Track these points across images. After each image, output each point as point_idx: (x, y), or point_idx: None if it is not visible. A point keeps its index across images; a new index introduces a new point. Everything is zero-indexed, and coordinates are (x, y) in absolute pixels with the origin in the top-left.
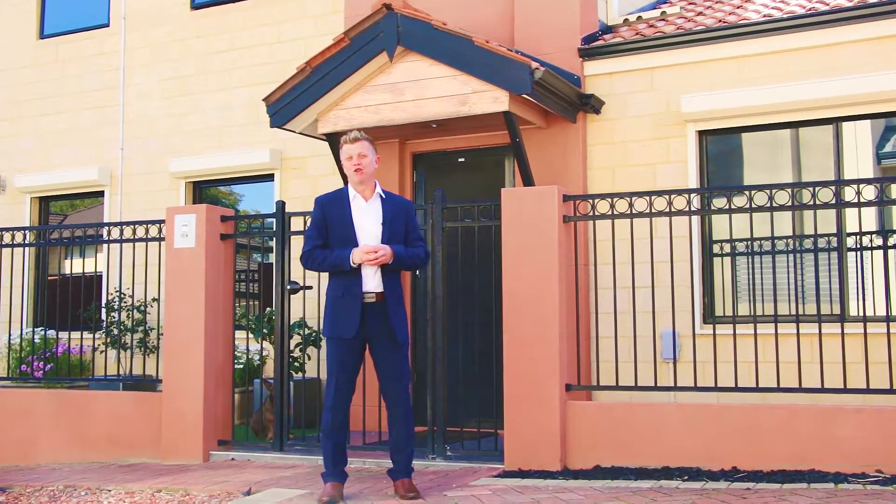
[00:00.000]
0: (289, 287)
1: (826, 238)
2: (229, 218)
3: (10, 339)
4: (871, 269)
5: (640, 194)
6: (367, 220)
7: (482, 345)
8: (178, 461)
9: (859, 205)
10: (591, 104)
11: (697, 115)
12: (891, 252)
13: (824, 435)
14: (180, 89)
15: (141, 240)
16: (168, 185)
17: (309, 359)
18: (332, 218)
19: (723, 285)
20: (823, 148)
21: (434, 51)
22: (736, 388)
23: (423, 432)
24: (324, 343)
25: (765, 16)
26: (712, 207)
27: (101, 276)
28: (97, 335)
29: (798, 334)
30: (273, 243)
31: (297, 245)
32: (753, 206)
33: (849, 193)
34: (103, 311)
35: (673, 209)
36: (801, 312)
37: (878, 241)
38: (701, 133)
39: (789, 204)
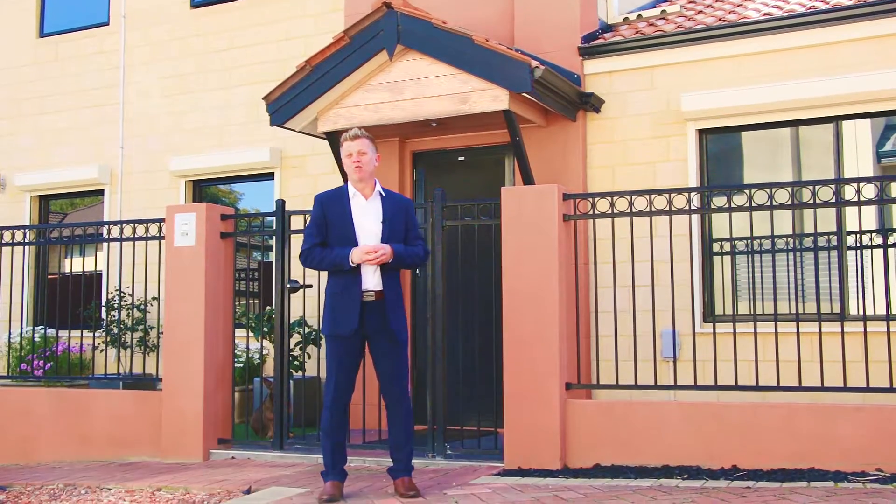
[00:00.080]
0: (289, 285)
1: (826, 237)
2: (229, 216)
3: (10, 337)
4: (871, 268)
5: (639, 193)
6: (367, 218)
7: (482, 343)
8: (178, 460)
9: (859, 203)
10: (591, 103)
11: (697, 114)
12: (891, 251)
13: (824, 434)
14: (180, 88)
15: (141, 238)
16: (168, 184)
17: (309, 357)
18: (331, 216)
19: (723, 284)
20: (823, 146)
21: (434, 49)
22: (736, 387)
23: (423, 431)
24: (324, 342)
25: (765, 14)
26: (712, 206)
27: (101, 274)
28: (97, 334)
29: (798, 333)
30: (273, 242)
31: (297, 243)
32: (753, 204)
33: (849, 192)
34: (103, 309)
35: (673, 208)
36: (800, 311)
37: (878, 240)
38: (701, 132)
39: (789, 203)
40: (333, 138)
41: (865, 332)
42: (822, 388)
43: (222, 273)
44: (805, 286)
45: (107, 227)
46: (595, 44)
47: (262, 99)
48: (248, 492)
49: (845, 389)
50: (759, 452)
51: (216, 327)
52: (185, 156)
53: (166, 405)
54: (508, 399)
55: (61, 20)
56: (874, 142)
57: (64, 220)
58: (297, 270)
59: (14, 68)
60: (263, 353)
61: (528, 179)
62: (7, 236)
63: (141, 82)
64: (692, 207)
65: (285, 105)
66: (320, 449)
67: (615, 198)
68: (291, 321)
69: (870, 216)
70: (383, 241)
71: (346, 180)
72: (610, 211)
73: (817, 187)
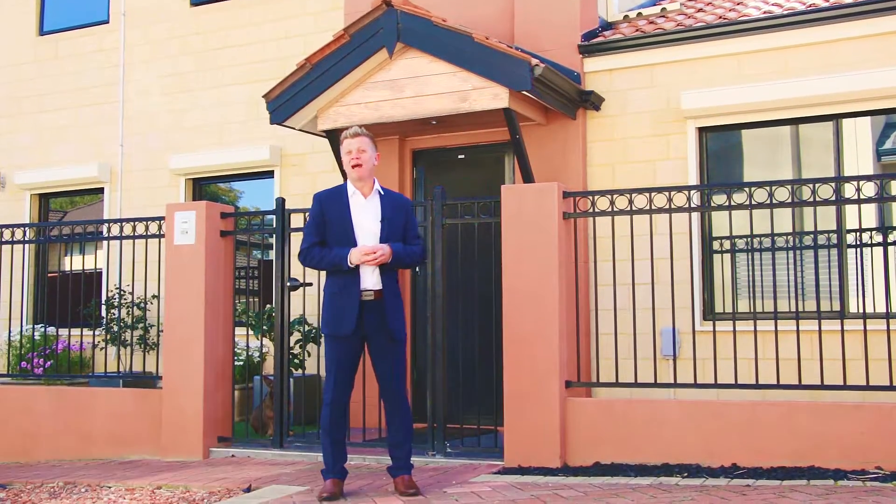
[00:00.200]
0: (289, 284)
1: (826, 235)
2: (229, 215)
3: (10, 335)
4: (870, 266)
5: (639, 191)
6: (366, 216)
7: (482, 342)
8: (178, 458)
9: (859, 201)
10: (591, 101)
11: (697, 112)
12: (891, 249)
13: (824, 432)
14: (180, 86)
15: (141, 236)
16: (168, 182)
17: (309, 355)
18: (330, 214)
19: (723, 282)
20: (823, 144)
21: (434, 47)
22: (736, 385)
23: (423, 429)
24: (323, 340)
25: (765, 12)
26: (712, 204)
27: (101, 272)
28: (97, 332)
29: (798, 331)
30: (273, 240)
31: (296, 242)
32: (753, 202)
33: (849, 190)
34: (103, 307)
35: (673, 206)
36: (800, 309)
37: (878, 238)
38: (701, 130)
39: (789, 201)
40: (333, 136)
41: (865, 331)
42: (822, 387)
43: (222, 271)
44: (805, 284)
45: (107, 225)
46: (595, 42)
47: (262, 97)
48: (249, 490)
49: (845, 388)
50: (758, 450)
51: (216, 325)
52: (185, 154)
53: (166, 403)
54: (508, 397)
55: (61, 18)
56: (874, 140)
57: (64, 218)
58: (296, 268)
59: (14, 66)
60: (263, 351)
61: (528, 177)
62: (7, 234)
63: (141, 80)
64: (692, 205)
65: (285, 103)
66: (320, 447)
67: (615, 196)
68: (291, 319)
69: (870, 214)
70: (382, 239)
71: (345, 179)
72: (610, 209)
73: (817, 185)
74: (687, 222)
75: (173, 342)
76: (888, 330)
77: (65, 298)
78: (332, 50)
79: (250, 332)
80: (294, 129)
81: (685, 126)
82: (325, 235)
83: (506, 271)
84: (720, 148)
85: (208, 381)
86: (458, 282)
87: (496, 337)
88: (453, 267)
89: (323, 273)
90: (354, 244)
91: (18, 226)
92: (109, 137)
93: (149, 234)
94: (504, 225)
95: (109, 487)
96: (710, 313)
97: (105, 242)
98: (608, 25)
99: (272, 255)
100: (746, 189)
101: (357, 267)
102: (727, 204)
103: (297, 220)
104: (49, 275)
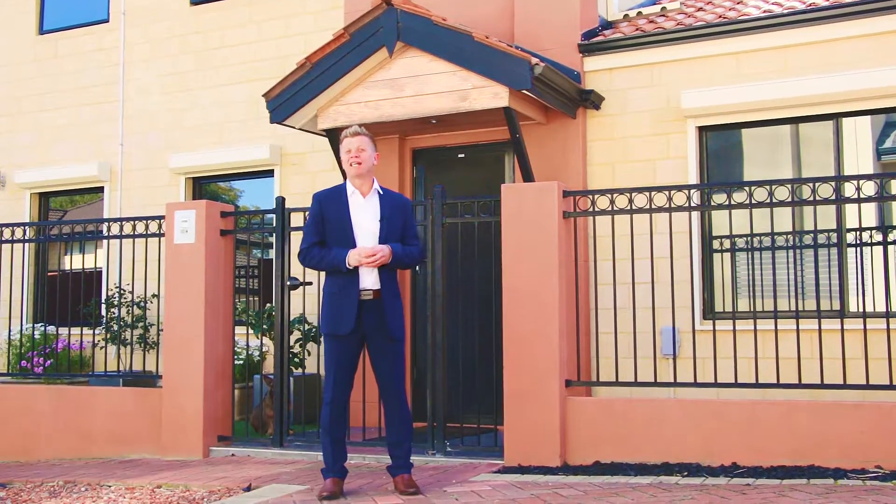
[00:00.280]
0: (289, 283)
1: (826, 234)
2: (229, 214)
3: (10, 334)
4: (870, 265)
5: (639, 190)
6: (365, 216)
7: (482, 341)
8: (177, 457)
9: (859, 200)
10: (591, 100)
11: (697, 111)
12: (891, 248)
13: (824, 431)
14: (180, 85)
15: (141, 236)
16: (168, 181)
17: (309, 355)
18: (329, 214)
19: (722, 281)
20: (823, 144)
21: (434, 46)
22: (736, 384)
23: (422, 428)
24: (323, 339)
25: (765, 11)
26: (712, 203)
27: (100, 271)
28: (97, 331)
29: (798, 330)
30: (273, 239)
31: (296, 241)
32: (753, 202)
33: (849, 189)
34: (103, 307)
35: (673, 205)
36: (800, 308)
37: (878, 237)
38: (701, 129)
39: (789, 200)
40: (333, 135)
41: (865, 330)
42: (822, 386)
43: (222, 270)
44: (805, 283)
45: (107, 224)
46: (595, 41)
47: (262, 96)
48: (249, 489)
49: (845, 387)
50: (758, 450)
51: (216, 324)
52: (185, 153)
53: (166, 402)
54: (508, 396)
55: (61, 17)
56: (874, 139)
57: (64, 217)
58: (296, 268)
59: (14, 65)
60: (263, 350)
61: (528, 176)
62: (7, 233)
63: (140, 79)
64: (692, 204)
65: (285, 102)
66: (320, 446)
67: (615, 195)
68: (291, 318)
69: (870, 213)
70: (381, 239)
71: (345, 178)
72: (610, 208)
73: (817, 184)
74: (687, 221)
75: (173, 341)
76: (888, 329)
77: (65, 297)
78: (332, 49)
79: (250, 331)
80: (294, 128)
81: (685, 125)
82: (324, 235)
83: (506, 270)
84: (720, 147)
85: (208, 380)
86: (458, 281)
87: (496, 336)
88: (453, 266)
89: (323, 273)
90: (353, 243)
91: (18, 225)
92: (109, 136)
93: (149, 233)
94: (504, 224)
95: (109, 486)
96: (710, 312)
97: (105, 241)
98: (608, 24)
99: (272, 254)
100: (746, 188)
101: (356, 267)
102: (727, 203)
103: (296, 219)
104: (49, 274)
